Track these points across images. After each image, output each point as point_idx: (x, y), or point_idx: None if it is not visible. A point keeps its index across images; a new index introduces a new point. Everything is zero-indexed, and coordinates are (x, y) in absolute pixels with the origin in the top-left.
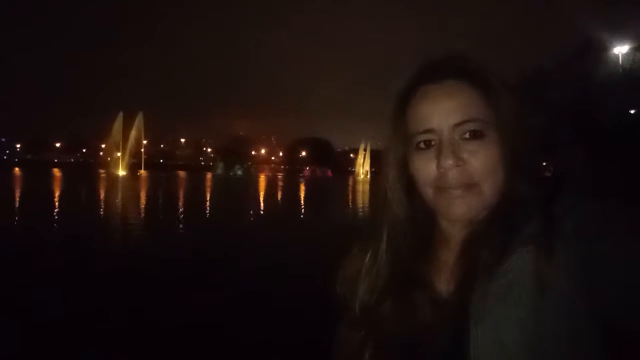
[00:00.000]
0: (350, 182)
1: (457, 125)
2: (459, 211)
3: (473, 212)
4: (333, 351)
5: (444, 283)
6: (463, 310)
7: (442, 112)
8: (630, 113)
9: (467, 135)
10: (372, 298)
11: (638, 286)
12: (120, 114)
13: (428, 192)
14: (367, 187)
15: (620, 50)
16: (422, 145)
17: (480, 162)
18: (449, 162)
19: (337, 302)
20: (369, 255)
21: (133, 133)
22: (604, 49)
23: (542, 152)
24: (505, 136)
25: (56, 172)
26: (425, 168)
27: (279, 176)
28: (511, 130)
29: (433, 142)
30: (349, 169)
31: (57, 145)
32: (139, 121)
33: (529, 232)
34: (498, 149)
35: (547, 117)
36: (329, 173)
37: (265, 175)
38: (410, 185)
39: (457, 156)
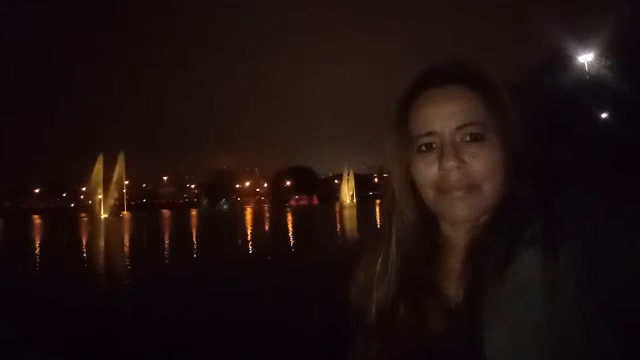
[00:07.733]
0: (337, 209)
1: (459, 128)
2: (461, 213)
3: (474, 213)
4: None
5: (453, 290)
6: (475, 316)
7: (444, 115)
8: (602, 117)
9: (468, 138)
10: (387, 305)
11: None
12: (100, 156)
13: (429, 194)
14: (354, 212)
15: (586, 58)
16: (423, 148)
17: (481, 164)
18: (451, 163)
19: (352, 313)
20: (379, 263)
21: (115, 174)
22: (570, 58)
23: (541, 153)
24: (506, 139)
25: (36, 218)
26: (427, 170)
27: (266, 207)
28: (511, 133)
29: (434, 145)
30: (335, 195)
31: (36, 191)
32: (120, 162)
33: (533, 233)
34: (499, 151)
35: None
36: (315, 201)
37: (251, 207)
38: (415, 188)
39: (459, 158)
